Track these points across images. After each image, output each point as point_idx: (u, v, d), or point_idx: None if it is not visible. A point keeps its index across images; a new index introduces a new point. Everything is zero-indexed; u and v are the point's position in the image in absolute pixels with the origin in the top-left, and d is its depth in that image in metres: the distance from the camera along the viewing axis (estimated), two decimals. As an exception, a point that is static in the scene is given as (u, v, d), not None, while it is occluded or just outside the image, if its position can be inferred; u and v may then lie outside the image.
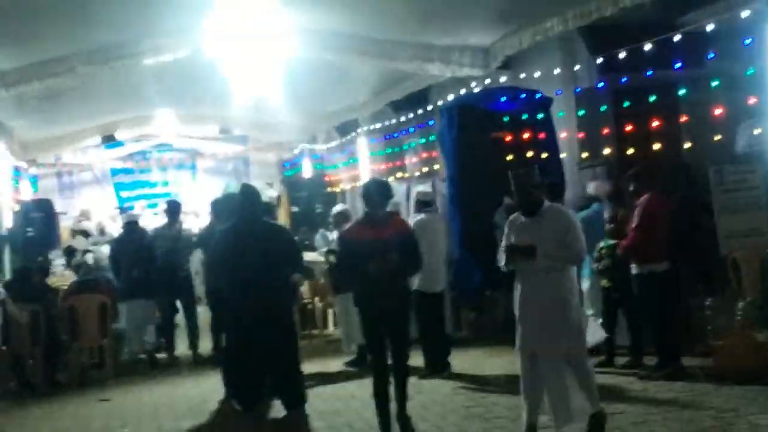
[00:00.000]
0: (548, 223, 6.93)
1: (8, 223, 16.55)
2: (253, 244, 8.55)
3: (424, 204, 10.77)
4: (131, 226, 13.40)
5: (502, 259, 7.07)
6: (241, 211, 8.85)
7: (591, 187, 11.08)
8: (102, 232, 18.83)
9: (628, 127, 11.01)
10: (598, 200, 10.88)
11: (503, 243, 7.17)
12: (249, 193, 9.02)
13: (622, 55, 10.49)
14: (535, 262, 6.79)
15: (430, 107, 15.17)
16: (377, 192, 7.59)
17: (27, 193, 19.77)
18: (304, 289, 13.42)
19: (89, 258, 13.21)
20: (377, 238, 7.26)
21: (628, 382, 9.12)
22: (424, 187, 11.94)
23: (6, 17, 10.49)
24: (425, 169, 16.49)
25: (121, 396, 10.43)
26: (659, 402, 8.17)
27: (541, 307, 6.84)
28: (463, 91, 13.30)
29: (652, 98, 10.66)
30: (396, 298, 7.47)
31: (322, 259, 12.89)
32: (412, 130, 16.58)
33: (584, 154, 12.03)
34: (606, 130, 11.48)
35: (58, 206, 19.39)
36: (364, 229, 7.48)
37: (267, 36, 11.78)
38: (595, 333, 9.59)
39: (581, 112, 11.78)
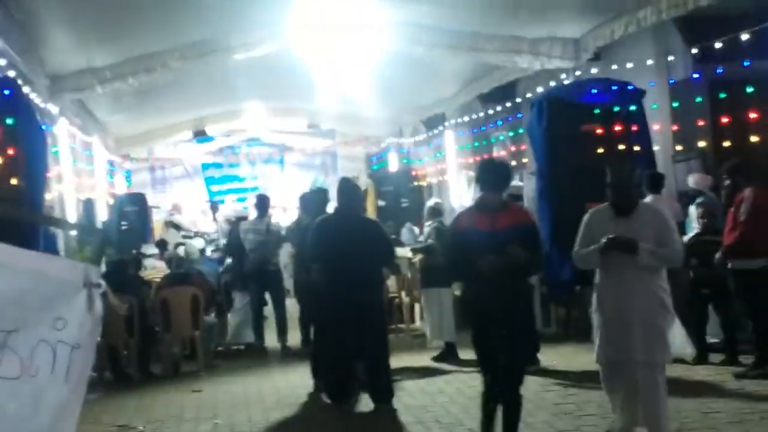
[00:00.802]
0: (645, 221, 6.30)
1: (103, 216, 16.93)
2: (348, 238, 8.65)
3: (514, 198, 10.72)
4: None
5: (590, 258, 6.35)
6: (339, 204, 8.97)
7: (691, 181, 10.84)
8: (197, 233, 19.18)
9: (724, 119, 10.70)
10: (701, 193, 10.67)
11: (580, 238, 6.50)
12: (347, 187, 9.14)
13: (718, 45, 10.20)
14: (635, 261, 6.12)
15: (518, 100, 15.00)
16: (495, 173, 6.54)
17: (121, 187, 20.23)
18: (391, 283, 13.40)
19: (181, 251, 13.45)
20: (493, 228, 6.19)
21: (723, 380, 8.90)
22: (515, 182, 11.88)
23: (101, 15, 10.73)
24: (513, 163, 16.32)
25: (212, 387, 10.57)
26: (756, 401, 7.96)
27: (639, 312, 6.14)
28: (552, 84, 13.10)
29: (750, 89, 10.35)
30: (514, 303, 6.30)
31: (409, 255, 12.89)
32: (500, 123, 16.43)
33: (678, 147, 11.74)
34: (701, 122, 11.19)
35: (151, 200, 19.76)
36: (478, 217, 6.35)
37: (356, 29, 11.81)
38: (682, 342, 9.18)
39: (675, 104, 11.50)
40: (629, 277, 6.20)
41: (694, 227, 10.23)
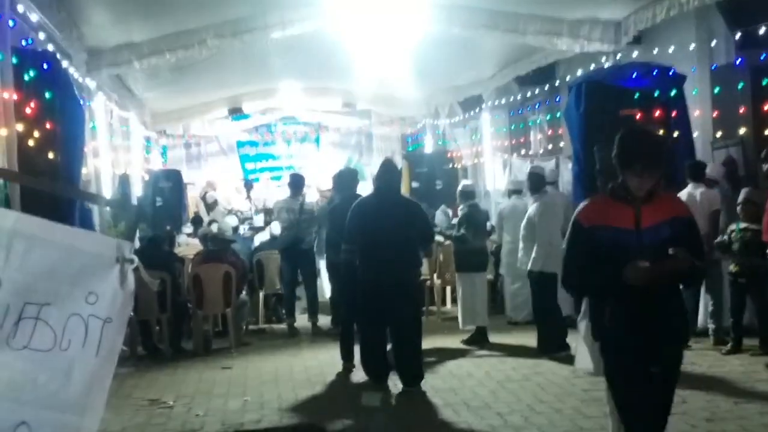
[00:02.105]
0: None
1: (138, 192, 17.04)
2: (387, 218, 8.70)
3: (540, 182, 10.74)
4: None
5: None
6: (379, 183, 9.00)
7: (708, 169, 10.69)
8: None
9: (767, 107, 10.49)
10: (716, 182, 10.58)
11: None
12: (388, 168, 9.19)
13: (762, 30, 10.01)
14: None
15: (557, 83, 14.85)
16: (647, 148, 4.66)
17: (157, 163, 20.34)
18: (423, 266, 13.39)
19: (214, 228, 13.50)
20: (639, 224, 4.57)
21: (754, 370, 8.80)
22: (537, 164, 11.85)
23: (140, -10, 10.75)
24: (550, 147, 16.20)
25: (242, 365, 10.63)
26: (790, 393, 7.87)
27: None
28: (592, 67, 12.95)
29: (794, 76, 10.14)
30: (671, 328, 4.67)
31: (440, 238, 12.86)
32: (537, 106, 16.29)
33: (718, 134, 11.57)
34: (742, 109, 11.00)
35: (186, 176, 19.85)
36: (616, 209, 4.63)
37: (393, 10, 11.73)
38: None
39: (717, 90, 11.31)
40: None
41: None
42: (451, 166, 19.38)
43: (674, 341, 4.72)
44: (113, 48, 12.29)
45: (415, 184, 18.86)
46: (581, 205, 4.77)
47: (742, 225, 9.59)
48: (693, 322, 10.50)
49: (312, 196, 17.50)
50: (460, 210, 11.90)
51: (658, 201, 4.64)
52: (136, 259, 3.15)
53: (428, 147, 21.54)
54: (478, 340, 11.31)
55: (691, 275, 4.66)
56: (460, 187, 12.26)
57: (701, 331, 10.46)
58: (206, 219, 16.98)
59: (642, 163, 4.55)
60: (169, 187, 18.06)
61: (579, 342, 5.92)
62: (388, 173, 9.11)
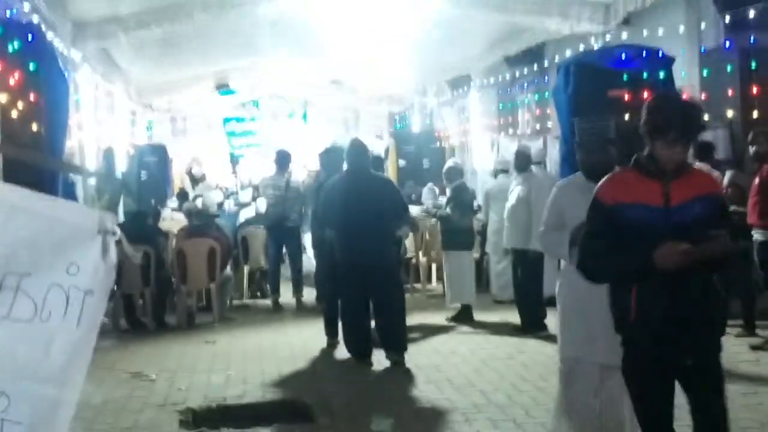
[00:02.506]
0: None
1: (123, 166, 16.94)
2: (360, 196, 8.74)
3: (525, 161, 10.71)
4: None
5: (561, 246, 5.24)
6: (349, 163, 9.04)
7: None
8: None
9: (754, 89, 10.50)
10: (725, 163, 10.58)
11: (546, 222, 5.65)
12: (358, 147, 9.22)
13: (751, 13, 10.00)
14: None
15: (545, 63, 14.81)
16: (682, 116, 4.05)
17: (142, 138, 20.22)
18: (409, 243, 13.39)
19: (199, 203, 13.45)
20: (669, 202, 4.04)
21: (737, 351, 8.85)
22: (524, 144, 11.84)
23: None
24: (538, 127, 16.17)
25: (226, 340, 10.61)
26: (773, 375, 7.92)
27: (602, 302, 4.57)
28: (581, 48, 12.91)
29: (782, 60, 10.16)
30: (706, 317, 4.15)
31: (422, 215, 12.85)
32: (526, 85, 16.25)
33: (706, 116, 11.56)
34: (731, 92, 11.00)
35: (171, 151, 19.75)
36: (643, 185, 4.10)
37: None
38: None
39: (705, 72, 11.31)
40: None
41: None
42: (438, 144, 19.35)
43: (712, 331, 4.21)
44: (99, 20, 12.18)
45: (402, 163, 18.84)
46: (602, 181, 4.27)
47: (731, 207, 9.62)
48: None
49: (298, 173, 17.45)
50: (448, 189, 11.89)
51: (689, 176, 4.13)
52: (118, 231, 3.12)
53: (416, 125, 21.50)
54: (464, 317, 11.34)
55: (723, 262, 4.16)
56: (447, 166, 12.22)
57: None
58: (191, 194, 16.92)
59: (675, 132, 3.99)
60: (154, 161, 17.97)
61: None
62: (357, 153, 9.14)
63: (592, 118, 5.39)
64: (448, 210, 11.48)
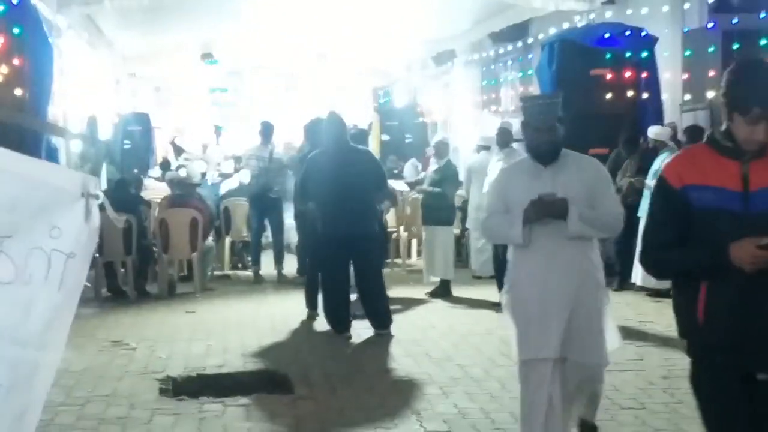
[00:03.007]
0: (573, 174, 4.90)
1: (107, 134, 16.87)
2: (341, 168, 8.78)
3: (507, 137, 10.72)
4: None
5: (504, 230, 5.01)
6: (328, 137, 9.08)
7: (652, 132, 10.73)
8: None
9: (736, 71, 10.57)
10: (665, 144, 10.62)
11: (489, 203, 5.32)
12: (335, 121, 9.24)
13: (735, -5, 10.08)
14: (564, 229, 4.78)
15: (530, 40, 14.84)
16: (763, 83, 3.39)
17: (126, 106, 20.13)
18: (390, 218, 13.42)
19: (182, 172, 13.43)
20: (749, 187, 3.40)
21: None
22: (507, 121, 11.83)
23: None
24: (521, 104, 16.21)
25: (206, 310, 10.64)
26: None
27: (569, 296, 4.84)
28: (565, 26, 12.95)
29: (764, 42, 10.22)
30: None
31: (405, 188, 12.87)
32: (510, 62, 16.28)
33: (687, 97, 11.66)
34: (712, 73, 11.08)
35: (155, 120, 19.66)
36: (717, 165, 3.47)
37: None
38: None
39: (688, 53, 11.38)
40: (553, 250, 4.86)
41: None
42: (421, 120, 19.36)
43: None
44: (84, -14, 12.10)
45: (385, 137, 18.85)
46: (669, 159, 3.79)
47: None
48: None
49: (281, 146, 17.43)
50: (437, 164, 11.81)
51: None
52: (101, 194, 3.12)
53: (399, 101, 21.48)
54: (443, 292, 11.41)
55: None
56: (436, 140, 12.18)
57: (667, 290, 10.63)
58: (174, 163, 16.88)
59: (762, 105, 3.33)
60: (138, 130, 17.91)
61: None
62: (335, 126, 9.16)
63: (539, 96, 5.24)
64: (444, 187, 11.46)
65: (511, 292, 5.09)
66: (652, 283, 10.70)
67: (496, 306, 10.39)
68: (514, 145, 11.14)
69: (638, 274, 10.33)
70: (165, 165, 16.70)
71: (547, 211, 4.75)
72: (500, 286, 10.42)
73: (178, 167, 15.73)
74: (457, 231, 13.05)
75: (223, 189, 15.08)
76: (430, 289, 11.54)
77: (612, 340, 5.09)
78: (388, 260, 13.40)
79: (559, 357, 4.84)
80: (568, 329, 4.80)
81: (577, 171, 4.93)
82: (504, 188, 5.12)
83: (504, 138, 10.85)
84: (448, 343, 8.65)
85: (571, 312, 4.82)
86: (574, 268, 4.88)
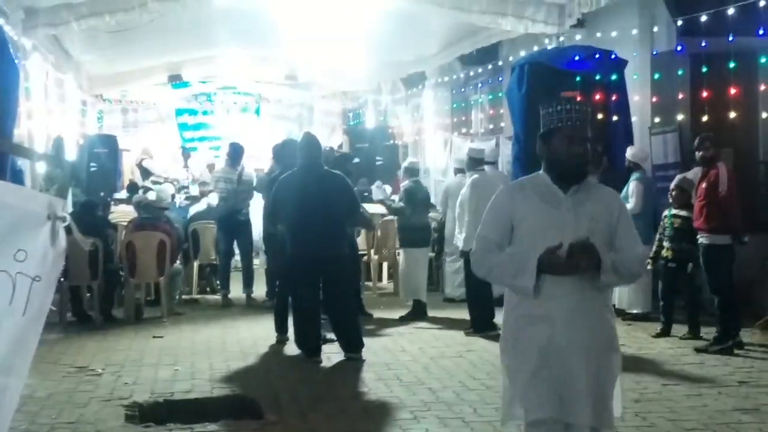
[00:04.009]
0: (597, 205, 4.03)
1: (73, 156, 16.68)
2: (312, 191, 8.71)
3: (476, 162, 10.71)
4: None
5: (517, 273, 3.93)
6: (302, 158, 9.00)
7: (629, 153, 10.80)
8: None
9: (705, 94, 10.66)
10: (638, 166, 10.69)
11: (484, 228, 4.17)
12: (310, 141, 9.17)
13: (703, 18, 10.16)
14: (591, 280, 3.93)
15: (500, 63, 14.90)
16: None
17: (92, 128, 19.93)
18: (361, 240, 13.37)
19: (151, 195, 13.29)
20: None
21: (683, 353, 8.99)
22: (477, 145, 11.89)
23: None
24: (491, 126, 16.26)
25: (174, 334, 10.51)
26: (715, 376, 8.04)
27: (582, 352, 3.97)
28: (535, 48, 13.01)
29: (732, 65, 10.31)
30: None
31: (381, 210, 12.86)
32: (480, 85, 16.33)
33: (657, 119, 11.74)
34: (681, 96, 11.18)
35: (122, 143, 19.49)
36: None
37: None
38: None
39: (657, 76, 11.47)
40: (570, 296, 3.96)
41: (630, 202, 10.24)
42: (391, 142, 19.36)
43: None
44: (51, 7, 11.97)
45: (355, 159, 18.78)
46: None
47: (674, 211, 9.78)
48: (637, 304, 10.69)
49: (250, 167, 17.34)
50: (403, 185, 11.97)
51: None
52: (68, 216, 3.05)
53: (370, 122, 21.48)
54: (417, 314, 11.39)
55: None
56: (405, 164, 12.34)
57: (643, 315, 10.67)
58: (141, 186, 16.71)
59: None
60: (105, 152, 17.72)
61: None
62: (309, 147, 9.09)
63: (570, 98, 4.23)
64: (401, 204, 11.62)
65: (512, 339, 4.13)
66: (624, 305, 10.74)
67: (467, 329, 10.38)
68: (487, 168, 11.14)
69: (616, 297, 10.34)
70: (132, 187, 16.52)
71: (580, 266, 3.85)
72: (472, 310, 10.47)
73: (146, 190, 15.58)
74: (431, 254, 13.03)
75: (192, 212, 14.95)
76: (403, 312, 11.52)
77: (617, 407, 4.22)
78: (361, 282, 13.32)
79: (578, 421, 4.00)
80: (584, 391, 3.96)
81: (600, 201, 4.06)
82: (506, 213, 4.10)
83: (471, 162, 10.80)
84: (420, 367, 8.59)
85: (590, 372, 3.98)
86: (596, 320, 4.03)
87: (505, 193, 4.21)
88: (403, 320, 11.27)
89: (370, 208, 12.91)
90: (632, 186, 10.54)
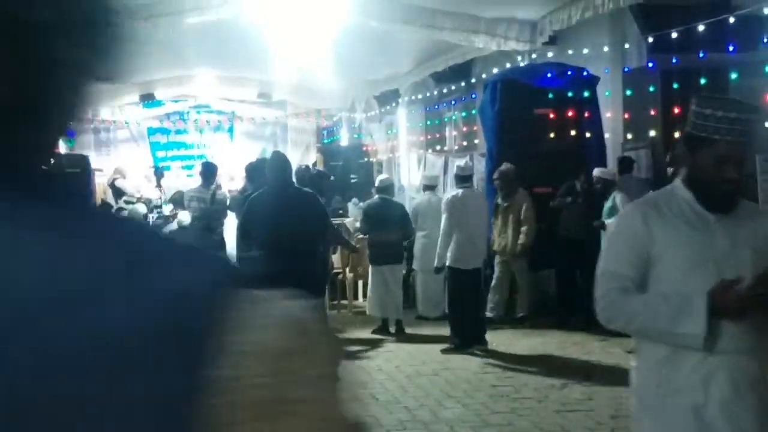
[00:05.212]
0: (753, 228, 3.09)
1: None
2: (283, 210, 8.64)
3: (462, 179, 10.63)
4: None
5: (678, 316, 2.87)
6: (271, 177, 8.94)
7: (597, 172, 10.73)
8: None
9: (676, 110, 10.73)
10: (613, 183, 10.63)
11: (612, 260, 3.16)
12: (280, 160, 9.12)
13: (674, 35, 10.23)
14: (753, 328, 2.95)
15: (473, 80, 14.94)
16: None
17: (63, 148, 19.77)
18: (336, 258, 13.31)
19: (123, 215, 13.19)
20: None
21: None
22: (464, 162, 11.83)
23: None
24: (465, 143, 16.29)
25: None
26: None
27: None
28: (507, 65, 13.06)
29: (703, 81, 10.40)
30: None
31: (357, 225, 12.85)
32: (453, 102, 16.37)
33: (629, 136, 11.80)
34: (653, 112, 11.26)
35: (94, 163, 19.32)
36: None
37: (311, 0, 11.64)
38: None
39: (629, 92, 11.54)
40: (733, 354, 2.94)
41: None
42: (366, 159, 19.36)
43: None
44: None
45: (331, 178, 18.77)
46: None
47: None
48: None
49: (224, 186, 17.26)
50: (364, 203, 11.96)
51: None
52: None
53: (344, 140, 21.48)
54: (394, 331, 11.37)
55: None
56: (377, 182, 12.28)
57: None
58: (114, 206, 16.60)
59: None
60: (76, 173, 17.56)
61: None
62: (278, 166, 9.03)
63: (734, 102, 3.09)
64: (358, 223, 11.64)
65: (648, 418, 3.11)
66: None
67: (444, 347, 10.33)
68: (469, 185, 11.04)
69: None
70: (104, 207, 16.39)
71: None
72: (453, 327, 10.38)
73: (119, 210, 15.46)
74: (403, 271, 12.96)
75: (164, 231, 14.83)
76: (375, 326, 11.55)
77: None
78: (335, 302, 13.25)
79: None
80: None
81: (753, 224, 3.11)
82: (641, 242, 3.08)
83: (462, 179, 10.69)
84: (396, 386, 8.54)
85: None
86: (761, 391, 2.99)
87: (634, 215, 3.19)
88: (375, 333, 11.32)
89: (350, 224, 12.88)
90: (618, 199, 10.40)
